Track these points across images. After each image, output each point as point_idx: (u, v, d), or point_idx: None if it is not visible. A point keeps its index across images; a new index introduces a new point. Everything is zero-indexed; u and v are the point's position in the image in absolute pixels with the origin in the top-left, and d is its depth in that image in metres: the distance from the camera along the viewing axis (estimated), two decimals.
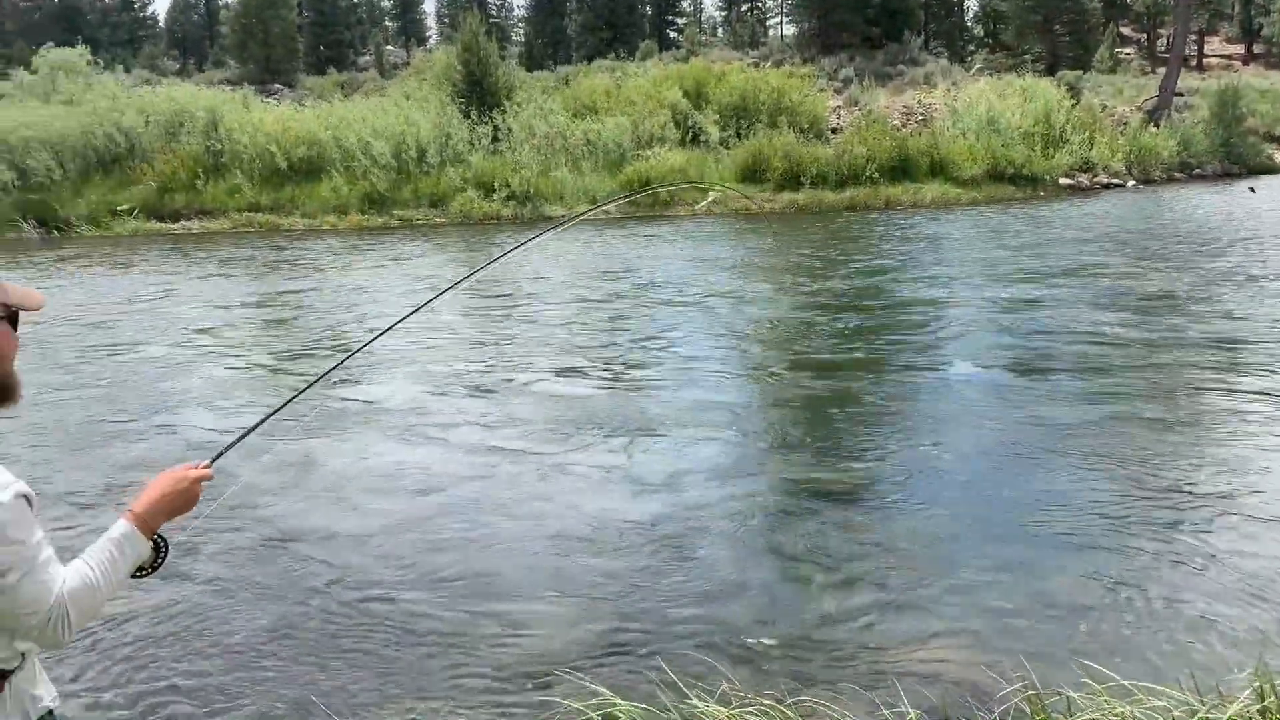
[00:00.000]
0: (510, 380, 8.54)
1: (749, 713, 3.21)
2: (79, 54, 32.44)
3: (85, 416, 7.75)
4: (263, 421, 2.36)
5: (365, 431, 7.13)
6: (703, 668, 3.81)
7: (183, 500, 2.05)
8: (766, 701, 3.26)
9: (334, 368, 2.77)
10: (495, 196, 23.40)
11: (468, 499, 5.79)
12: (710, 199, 23.52)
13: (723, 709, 3.24)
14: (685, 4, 75.23)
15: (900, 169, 25.36)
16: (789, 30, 65.04)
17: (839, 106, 31.91)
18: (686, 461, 6.30)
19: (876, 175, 24.75)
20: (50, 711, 1.98)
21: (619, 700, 3.35)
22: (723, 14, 78.25)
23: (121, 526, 1.95)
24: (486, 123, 25.37)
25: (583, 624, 4.31)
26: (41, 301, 1.93)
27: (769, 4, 74.03)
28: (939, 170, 25.69)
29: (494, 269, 14.06)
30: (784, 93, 27.90)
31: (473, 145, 24.96)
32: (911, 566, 4.72)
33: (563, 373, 8.74)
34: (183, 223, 23.16)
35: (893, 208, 23.60)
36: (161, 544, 2.02)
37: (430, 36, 78.23)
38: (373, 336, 2.95)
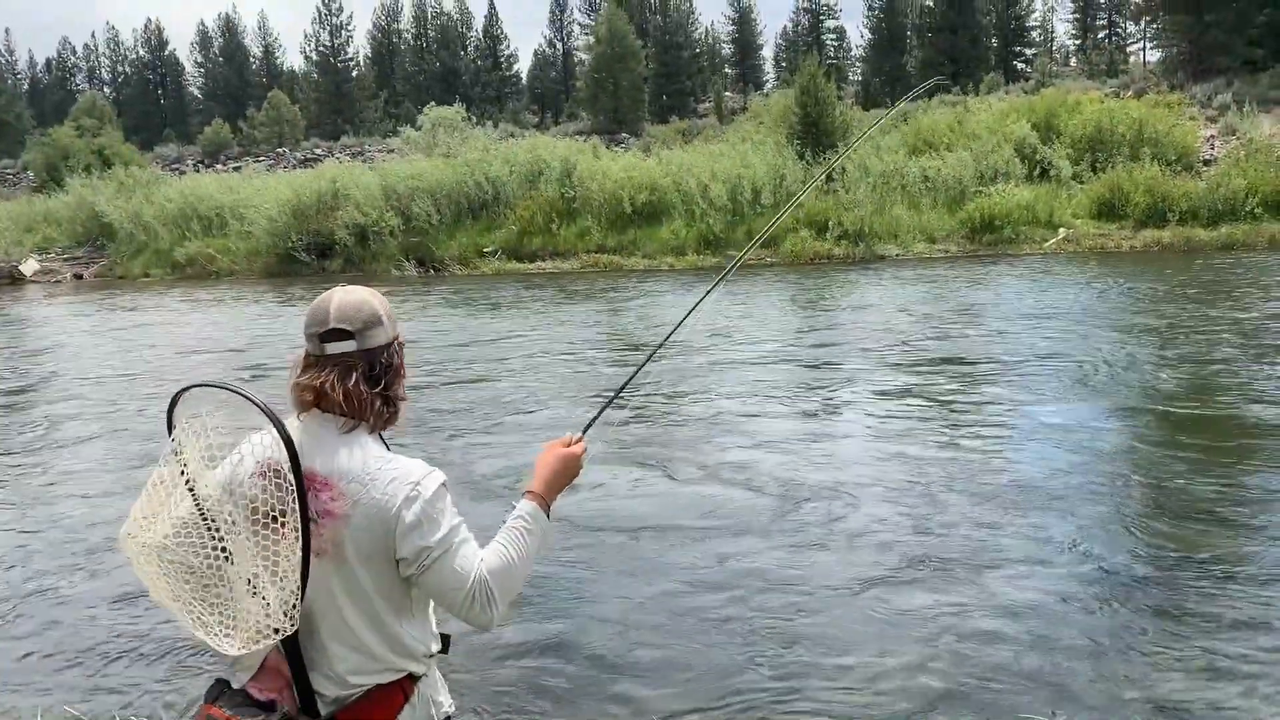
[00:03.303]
0: (843, 417, 8.38)
1: None
2: (455, 112, 36.27)
3: (469, 418, 8.50)
4: (614, 397, 2.61)
5: (742, 445, 7.26)
6: None
7: (571, 472, 2.22)
8: None
9: (648, 357, 2.92)
10: (827, 236, 23.29)
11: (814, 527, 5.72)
12: (1060, 236, 22.01)
13: None
14: (1035, 34, 71.65)
15: None
16: (1153, 56, 59.96)
17: (1212, 136, 28.90)
18: (1049, 522, 5.86)
19: (1259, 210, 22.05)
20: (448, 718, 2.16)
21: None
22: (1076, 43, 73.68)
23: (526, 506, 2.11)
24: (821, 163, 25.37)
25: (920, 677, 4.09)
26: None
27: (1130, 29, 68.78)
28: None
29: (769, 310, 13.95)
30: (1147, 123, 25.63)
31: (806, 185, 25.03)
32: None
33: (896, 428, 8.45)
34: (538, 263, 25.02)
35: (1278, 247, 20.92)
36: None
37: (768, 81, 79.75)
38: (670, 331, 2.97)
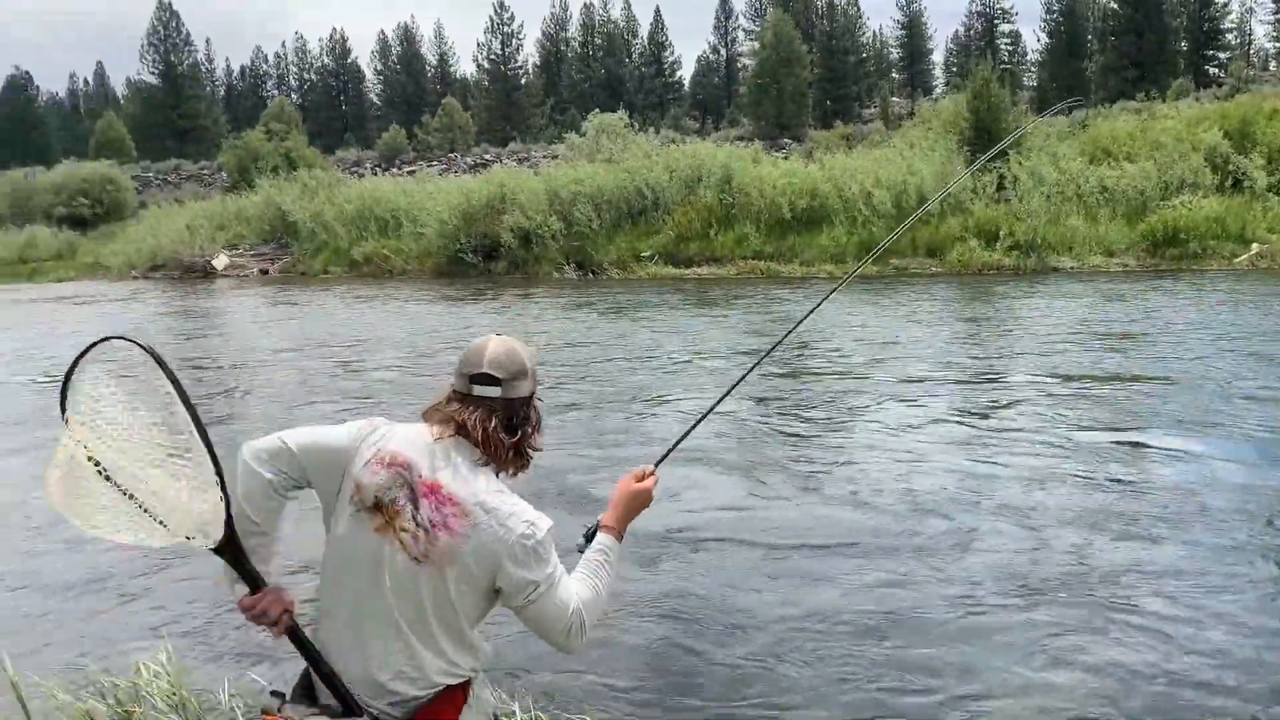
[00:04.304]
0: (1020, 433, 8.07)
1: None
2: (618, 118, 36.78)
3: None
4: (691, 429, 2.74)
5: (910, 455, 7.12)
6: None
7: (641, 504, 2.40)
8: None
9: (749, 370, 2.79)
10: (997, 246, 22.46)
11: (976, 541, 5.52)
12: (1253, 251, 20.55)
13: None
14: (1230, 37, 67.29)
15: None
16: None
17: None
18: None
19: None
20: (496, 712, 2.35)
21: None
22: (1277, 45, 68.76)
23: (603, 540, 2.30)
24: (991, 171, 24.49)
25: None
26: None
27: None
28: None
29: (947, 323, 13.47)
30: None
31: (975, 193, 24.22)
32: None
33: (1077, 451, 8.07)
34: (694, 268, 25.08)
35: None
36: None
37: (936, 86, 77.67)
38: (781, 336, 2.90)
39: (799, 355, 12.69)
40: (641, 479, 2.42)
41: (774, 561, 5.69)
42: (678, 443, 2.66)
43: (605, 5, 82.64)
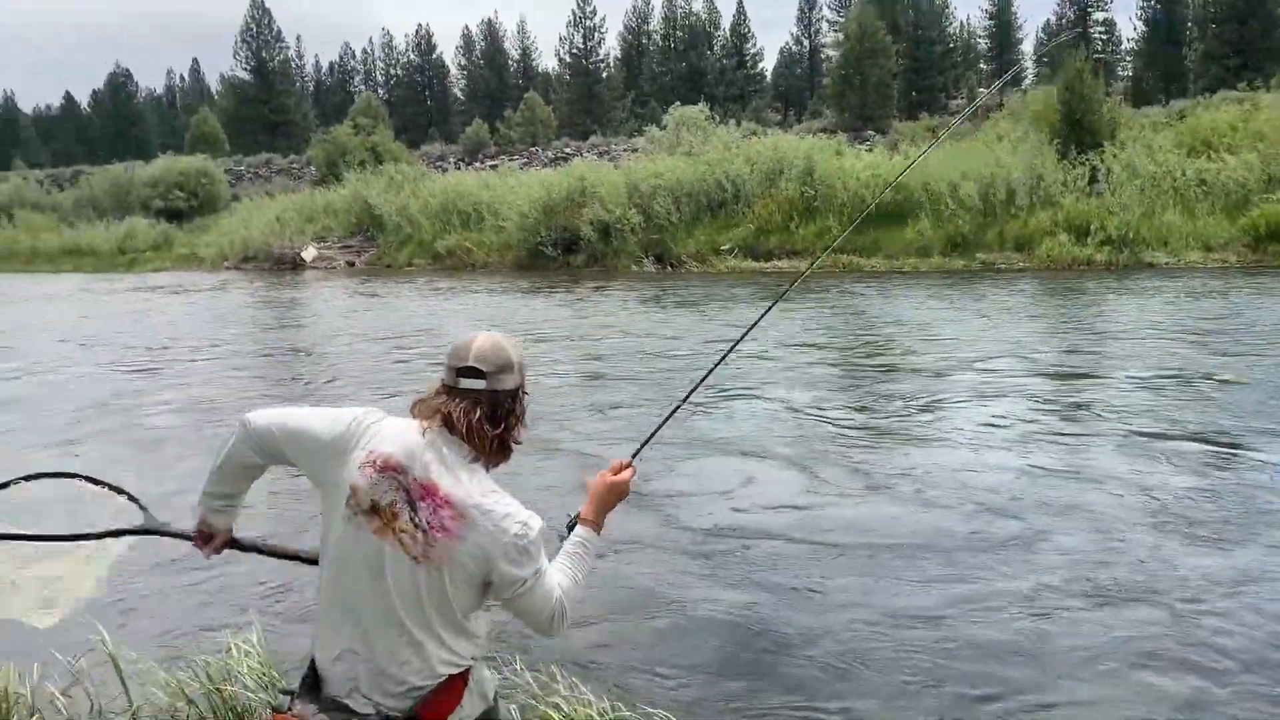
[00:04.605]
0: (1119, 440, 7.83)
1: None
2: (699, 111, 36.65)
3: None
4: (661, 425, 2.83)
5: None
6: None
7: (619, 495, 2.49)
8: None
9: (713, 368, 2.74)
10: (1089, 241, 21.81)
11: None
12: None
13: None
14: None
15: None
16: None
17: None
18: None
19: None
20: (496, 693, 2.42)
21: None
22: None
23: (581, 532, 2.41)
24: (1083, 163, 23.79)
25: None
26: None
27: None
28: None
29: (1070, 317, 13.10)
30: None
31: (1066, 187, 23.55)
32: None
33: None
34: (774, 262, 24.89)
35: None
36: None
37: (1026, 77, 75.78)
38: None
39: (879, 351, 12.51)
40: (618, 471, 2.50)
41: (843, 560, 5.60)
42: (652, 435, 2.78)
43: None
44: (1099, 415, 8.70)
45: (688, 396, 3.00)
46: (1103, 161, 23.70)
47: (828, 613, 4.92)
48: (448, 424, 2.19)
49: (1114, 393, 9.52)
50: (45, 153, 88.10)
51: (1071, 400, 9.41)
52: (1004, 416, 8.76)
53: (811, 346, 12.96)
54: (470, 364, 2.22)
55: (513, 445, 2.28)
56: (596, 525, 2.44)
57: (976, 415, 8.86)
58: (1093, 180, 23.54)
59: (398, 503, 2.13)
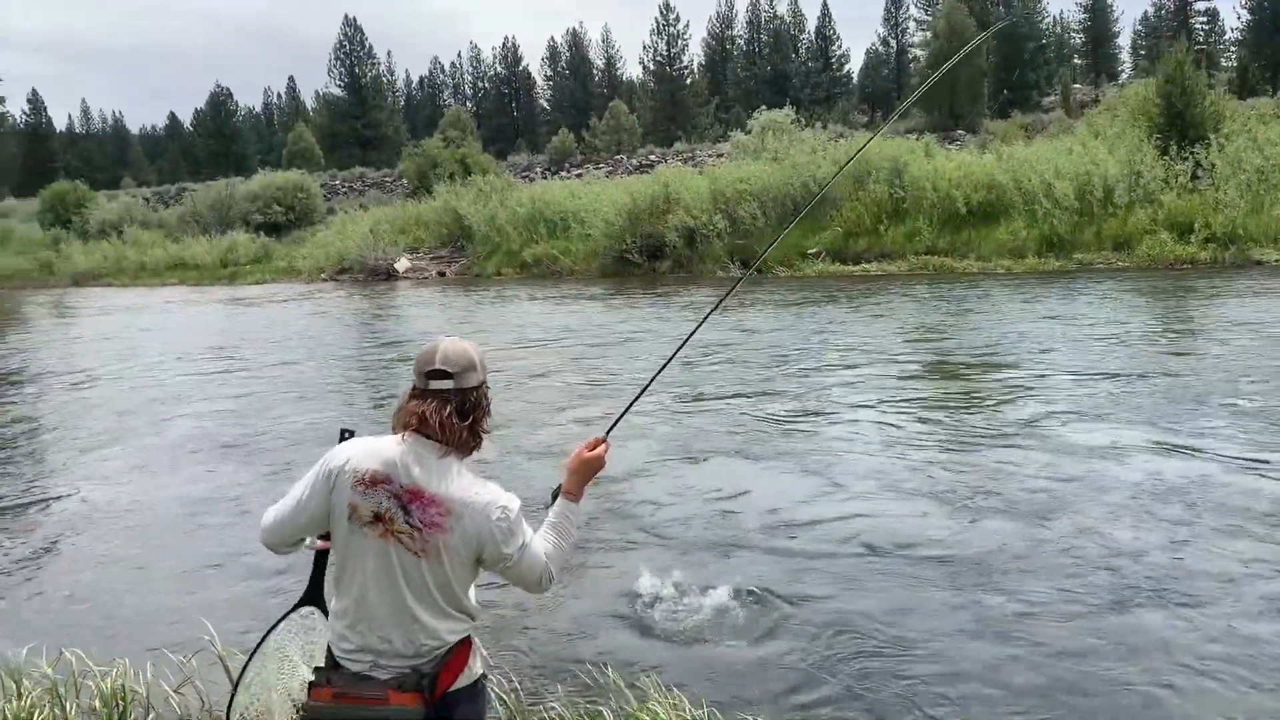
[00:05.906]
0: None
1: None
2: (784, 114, 36.41)
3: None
4: (629, 408, 3.09)
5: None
6: None
7: (594, 470, 2.76)
8: None
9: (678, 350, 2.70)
10: (1192, 239, 21.03)
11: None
12: None
13: None
14: None
15: None
16: None
17: None
18: None
19: None
20: (483, 656, 2.73)
21: None
22: None
23: (564, 503, 2.71)
24: (1186, 158, 22.91)
25: None
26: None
27: None
28: None
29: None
30: None
31: (1167, 183, 22.72)
32: None
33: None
34: (862, 265, 24.57)
35: None
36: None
37: (1123, 71, 73.59)
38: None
39: (967, 355, 12.26)
40: (594, 447, 2.76)
41: (931, 570, 5.52)
42: (623, 413, 3.06)
43: (771, 2, 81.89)
44: (1201, 426, 8.39)
45: (650, 380, 3.23)
46: (1207, 155, 22.82)
47: (930, 620, 4.86)
48: (422, 423, 2.48)
49: (1220, 400, 9.17)
50: (151, 171, 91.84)
51: (1166, 410, 9.07)
52: (1096, 422, 8.51)
53: (904, 356, 12.77)
54: (437, 367, 2.51)
55: (482, 434, 2.56)
56: (577, 497, 2.73)
57: (1070, 422, 8.63)
58: (1195, 176, 22.67)
59: (393, 509, 2.45)
